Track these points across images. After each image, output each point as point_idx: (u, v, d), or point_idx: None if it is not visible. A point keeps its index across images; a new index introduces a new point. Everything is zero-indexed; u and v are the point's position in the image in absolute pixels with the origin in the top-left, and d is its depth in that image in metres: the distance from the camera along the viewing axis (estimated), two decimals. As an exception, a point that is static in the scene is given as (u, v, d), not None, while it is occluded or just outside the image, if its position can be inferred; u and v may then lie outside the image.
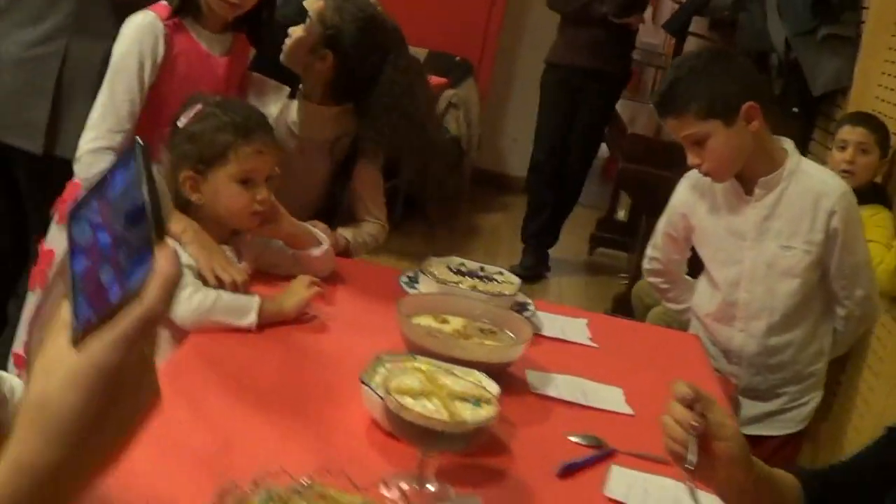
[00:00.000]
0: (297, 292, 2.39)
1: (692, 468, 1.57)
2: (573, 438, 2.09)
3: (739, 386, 2.92)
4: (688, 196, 3.00)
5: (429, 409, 1.69)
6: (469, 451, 1.88)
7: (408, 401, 1.70)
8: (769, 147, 2.79)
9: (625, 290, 5.58)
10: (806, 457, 4.32)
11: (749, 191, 2.83)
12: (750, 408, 2.94)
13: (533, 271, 6.52)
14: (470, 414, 1.70)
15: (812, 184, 2.79)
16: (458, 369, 2.05)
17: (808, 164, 2.85)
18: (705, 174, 2.78)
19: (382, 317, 2.29)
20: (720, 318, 2.97)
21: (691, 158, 2.74)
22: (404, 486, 1.76)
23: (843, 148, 4.09)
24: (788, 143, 2.85)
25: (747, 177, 2.82)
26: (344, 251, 2.99)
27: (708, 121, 2.67)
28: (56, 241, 2.80)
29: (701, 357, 2.77)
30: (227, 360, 2.19)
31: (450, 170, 7.20)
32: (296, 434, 1.90)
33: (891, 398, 3.72)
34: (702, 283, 3.09)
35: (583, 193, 6.85)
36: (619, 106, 6.78)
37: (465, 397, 1.75)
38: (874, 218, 3.92)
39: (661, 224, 3.16)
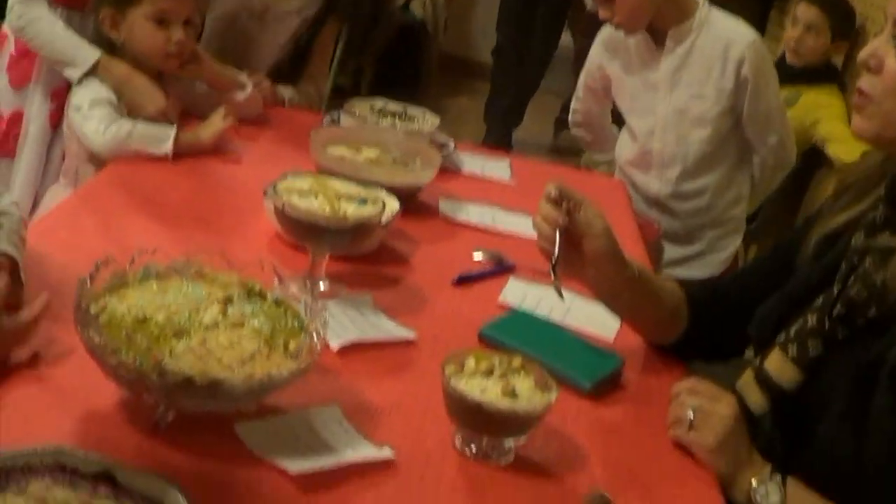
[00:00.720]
0: (213, 123, 2.42)
1: (554, 263, 1.62)
2: (476, 255, 2.14)
3: (661, 230, 2.97)
4: (602, 51, 3.06)
5: (312, 205, 1.73)
6: (366, 259, 1.94)
7: (293, 198, 1.74)
8: None
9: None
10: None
11: (660, 42, 2.85)
12: (671, 251, 3.00)
13: (494, 149, 6.52)
14: (353, 210, 1.75)
15: (721, 33, 2.81)
16: (362, 187, 2.10)
17: (717, 14, 2.84)
18: (617, 27, 2.79)
19: (301, 151, 2.33)
20: (638, 164, 3.02)
21: (602, 12, 2.76)
22: (298, 284, 1.81)
23: (794, 24, 4.07)
24: None
25: (658, 28, 2.83)
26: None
27: None
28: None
29: (623, 200, 2.81)
30: (142, 184, 2.22)
31: (416, 51, 7.20)
32: (199, 246, 1.94)
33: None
34: (623, 133, 3.15)
35: (550, 80, 6.83)
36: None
37: (350, 196, 1.79)
38: (819, 99, 3.95)
39: (581, 77, 3.25)
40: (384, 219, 1.96)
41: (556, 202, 1.65)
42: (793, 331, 1.62)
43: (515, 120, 6.68)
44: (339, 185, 1.83)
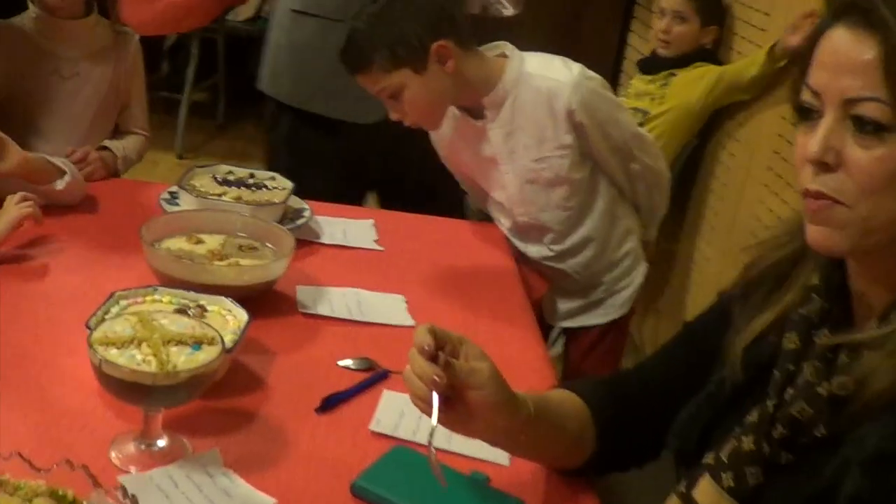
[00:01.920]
0: (6, 211, 2.08)
1: (431, 433, 1.35)
2: (343, 364, 1.86)
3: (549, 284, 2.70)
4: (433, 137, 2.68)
5: (135, 360, 1.43)
6: (215, 394, 1.64)
7: (112, 353, 1.44)
8: (480, 72, 2.38)
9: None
10: (648, 331, 4.20)
11: (479, 115, 2.48)
12: (568, 304, 2.72)
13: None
14: (184, 360, 1.45)
15: (540, 84, 2.41)
16: (204, 299, 1.80)
17: (532, 65, 2.44)
18: (414, 126, 2.45)
19: (134, 246, 2.01)
20: (514, 234, 2.69)
21: (392, 114, 2.39)
22: (131, 448, 1.51)
23: (661, 16, 3.91)
24: (507, 47, 2.50)
25: (469, 105, 2.47)
26: (113, 169, 2.68)
27: (396, 71, 2.34)
28: None
29: (504, 254, 2.55)
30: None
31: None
32: (11, 394, 1.63)
33: (724, 266, 3.58)
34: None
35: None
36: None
37: (182, 340, 1.48)
38: (695, 72, 3.76)
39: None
40: (230, 341, 1.67)
41: (432, 356, 1.37)
42: (724, 454, 1.37)
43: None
44: (167, 323, 1.52)
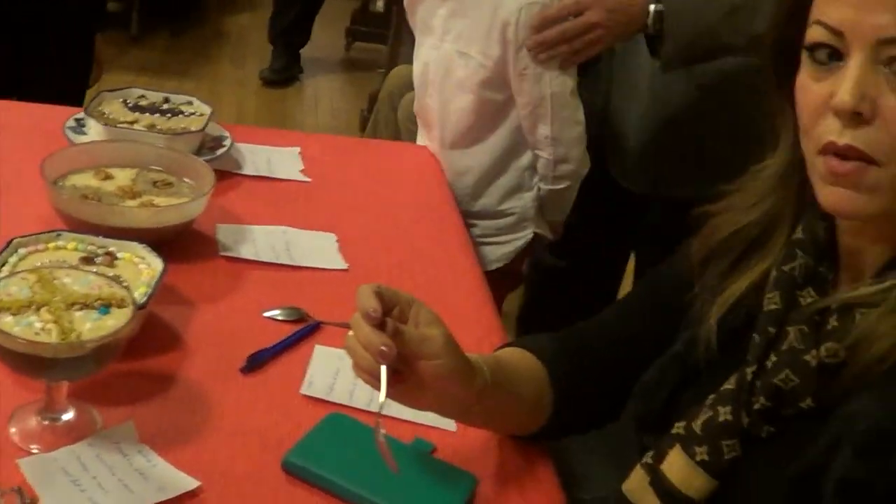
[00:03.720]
0: None
1: (381, 409, 1.20)
2: (269, 314, 1.69)
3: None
4: None
5: (34, 327, 1.25)
6: (127, 355, 1.46)
7: (6, 320, 1.26)
8: None
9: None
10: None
11: None
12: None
13: (284, 74, 6.01)
14: (91, 327, 1.27)
15: None
16: (114, 244, 1.62)
17: None
18: None
19: (36, 182, 1.80)
20: (420, 116, 2.55)
21: None
22: (33, 422, 1.34)
23: None
24: None
25: None
26: None
27: None
28: None
29: (436, 173, 2.38)
30: None
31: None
32: None
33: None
34: None
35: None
36: None
37: (86, 303, 1.30)
38: None
39: None
40: (143, 295, 1.50)
41: (379, 322, 1.20)
42: (697, 425, 1.24)
43: (303, 39, 6.14)
44: (70, 282, 1.34)
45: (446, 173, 2.40)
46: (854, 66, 1.07)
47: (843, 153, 1.08)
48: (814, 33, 1.11)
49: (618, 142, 2.51)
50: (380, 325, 1.20)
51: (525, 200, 2.45)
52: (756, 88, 1.61)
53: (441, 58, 2.37)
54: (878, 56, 1.06)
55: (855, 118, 1.07)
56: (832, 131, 1.09)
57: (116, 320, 1.28)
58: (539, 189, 2.43)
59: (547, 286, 2.84)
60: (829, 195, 1.12)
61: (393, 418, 1.41)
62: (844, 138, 1.08)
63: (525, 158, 2.43)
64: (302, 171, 2.24)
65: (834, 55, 1.09)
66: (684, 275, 1.37)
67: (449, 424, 1.46)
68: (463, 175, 2.41)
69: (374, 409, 1.44)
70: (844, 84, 1.07)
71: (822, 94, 1.10)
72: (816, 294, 1.20)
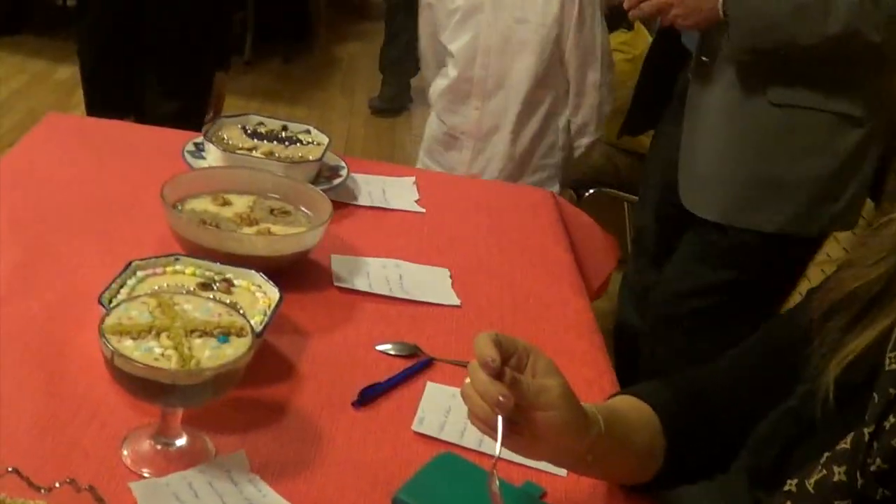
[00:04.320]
0: None
1: (496, 460, 1.18)
2: (381, 348, 1.68)
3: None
4: None
5: (154, 353, 1.25)
6: (240, 382, 1.45)
7: (127, 344, 1.26)
8: None
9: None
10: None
11: None
12: None
13: (393, 103, 6.05)
14: (209, 355, 1.27)
15: None
16: (231, 272, 1.63)
17: None
18: None
19: (154, 204, 1.81)
20: (449, 94, 2.88)
21: None
22: (146, 446, 1.34)
23: None
24: None
25: None
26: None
27: None
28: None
29: (552, 216, 2.36)
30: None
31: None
32: (11, 374, 1.46)
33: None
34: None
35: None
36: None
37: (206, 330, 1.30)
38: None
39: None
40: (259, 323, 1.50)
41: (497, 373, 1.18)
42: (811, 483, 1.20)
43: (413, 68, 6.15)
44: (190, 308, 1.34)
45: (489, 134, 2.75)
46: None
47: None
48: None
49: (689, 167, 2.50)
50: (497, 375, 1.17)
51: (557, 157, 2.87)
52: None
53: (498, 28, 2.71)
54: None
55: None
56: None
57: (235, 349, 1.28)
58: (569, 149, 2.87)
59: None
60: None
61: (504, 460, 1.39)
62: None
63: (563, 118, 2.84)
64: (417, 201, 2.24)
65: None
66: (804, 328, 1.33)
67: (560, 470, 1.43)
68: (521, 133, 2.72)
69: (484, 449, 1.44)
70: None
71: None
72: None
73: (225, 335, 1.30)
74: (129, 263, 1.60)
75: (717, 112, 2.38)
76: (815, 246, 2.50)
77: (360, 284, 1.84)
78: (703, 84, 2.37)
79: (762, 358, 1.44)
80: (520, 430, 1.20)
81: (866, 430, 1.16)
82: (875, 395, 1.18)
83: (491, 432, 1.18)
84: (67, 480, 1.06)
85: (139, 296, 1.37)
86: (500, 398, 1.15)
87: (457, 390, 1.52)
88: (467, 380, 1.20)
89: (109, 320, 1.28)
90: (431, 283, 1.90)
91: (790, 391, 1.33)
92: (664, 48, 2.61)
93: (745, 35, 2.21)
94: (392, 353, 1.67)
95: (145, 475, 1.30)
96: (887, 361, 1.18)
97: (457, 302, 1.85)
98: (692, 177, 2.46)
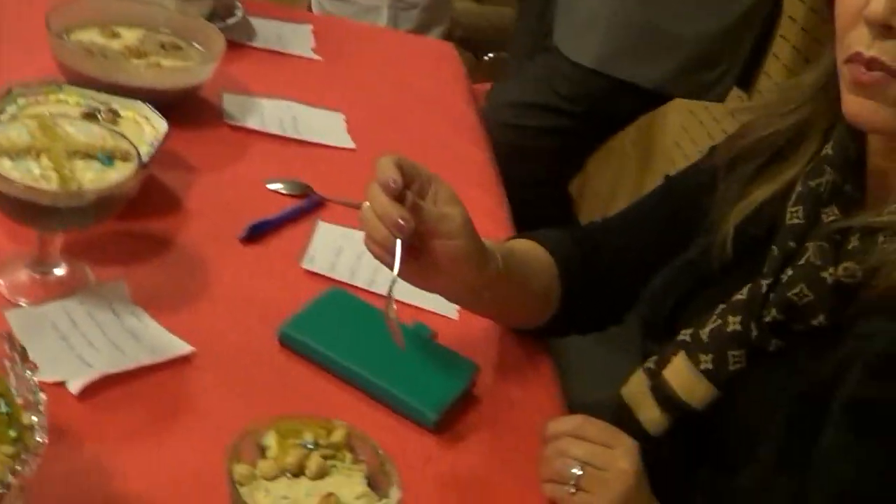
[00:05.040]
0: None
1: (391, 286, 1.16)
2: (272, 186, 1.64)
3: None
4: None
5: (32, 174, 1.20)
6: (123, 215, 1.40)
7: (5, 164, 1.20)
8: None
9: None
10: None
11: None
12: None
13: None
14: (92, 178, 1.22)
15: None
16: (117, 101, 1.56)
17: None
18: None
19: (38, 32, 1.73)
20: None
21: None
22: (22, 275, 1.29)
23: None
24: None
25: None
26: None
27: None
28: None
29: (455, 70, 2.32)
30: None
31: None
32: None
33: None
34: None
35: None
36: None
37: (89, 153, 1.25)
38: None
39: None
40: (145, 153, 1.44)
41: (398, 195, 1.15)
42: (705, 332, 1.21)
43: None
44: (73, 131, 1.29)
45: None
46: None
47: (866, 64, 1.05)
48: None
49: (567, 5, 2.47)
50: (398, 198, 1.15)
51: None
52: None
53: None
54: None
55: (885, 30, 1.03)
56: (861, 42, 1.05)
57: (120, 173, 1.23)
58: None
59: None
60: (852, 104, 1.08)
61: (395, 300, 1.37)
62: (872, 50, 1.04)
63: None
64: (313, 48, 2.18)
65: None
66: (706, 179, 1.33)
67: (451, 311, 1.43)
68: None
69: (375, 289, 1.42)
70: None
71: (857, 3, 1.06)
72: (840, 213, 1.16)
73: (109, 158, 1.25)
74: (9, 88, 1.52)
75: None
76: (660, 104, 2.51)
77: (252, 122, 1.79)
78: None
79: (662, 211, 1.44)
80: (417, 257, 1.18)
81: (763, 282, 1.17)
82: (774, 248, 1.18)
83: (387, 257, 1.16)
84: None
85: (20, 116, 1.31)
86: (400, 220, 1.13)
87: (349, 230, 1.51)
88: (366, 204, 1.17)
89: (-11, 135, 1.22)
90: (326, 126, 1.86)
91: (688, 244, 1.33)
92: None
93: None
94: (283, 191, 1.63)
95: (21, 304, 1.25)
96: (787, 216, 1.19)
97: (351, 145, 1.82)
98: (569, 17, 2.41)
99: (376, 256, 1.19)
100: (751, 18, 2.36)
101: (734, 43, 2.37)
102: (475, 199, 1.72)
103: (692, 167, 1.43)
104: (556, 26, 2.46)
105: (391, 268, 1.15)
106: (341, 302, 1.37)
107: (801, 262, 1.14)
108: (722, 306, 1.21)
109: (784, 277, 1.15)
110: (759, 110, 1.30)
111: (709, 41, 2.33)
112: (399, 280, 1.17)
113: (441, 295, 1.27)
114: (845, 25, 1.08)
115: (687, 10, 2.30)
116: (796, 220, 1.17)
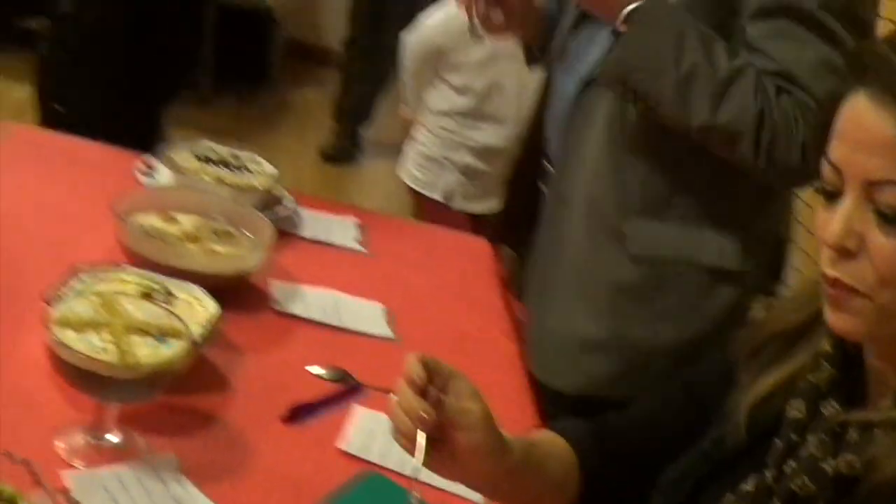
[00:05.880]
0: None
1: (416, 473, 1.23)
2: (313, 371, 1.73)
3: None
4: None
5: (94, 346, 1.30)
6: (175, 390, 1.50)
7: (69, 335, 1.31)
8: None
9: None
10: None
11: None
12: None
13: (344, 151, 6.11)
14: (147, 354, 1.31)
15: None
16: (173, 284, 1.67)
17: None
18: None
19: (104, 216, 1.85)
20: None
21: None
22: (79, 439, 1.38)
23: None
24: None
25: None
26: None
27: None
28: None
29: (489, 265, 2.42)
30: None
31: (262, 38, 6.77)
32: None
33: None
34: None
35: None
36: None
37: (146, 330, 1.35)
38: None
39: None
40: (197, 334, 1.54)
41: (422, 391, 1.24)
42: None
43: (365, 118, 6.24)
44: (132, 309, 1.39)
45: None
46: (846, 202, 1.10)
47: (831, 283, 1.12)
48: (824, 168, 1.14)
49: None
50: (423, 393, 1.24)
51: None
52: None
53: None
54: (867, 195, 1.08)
55: (842, 252, 1.10)
56: (826, 262, 1.13)
57: (173, 351, 1.33)
58: None
59: None
60: (830, 317, 1.16)
61: (423, 484, 1.44)
62: (833, 271, 1.12)
63: None
64: (359, 241, 2.29)
65: (836, 193, 1.12)
66: (722, 375, 1.39)
67: (477, 497, 1.49)
68: None
69: (406, 472, 1.48)
70: (835, 218, 1.10)
71: (824, 228, 1.14)
72: (839, 406, 1.22)
73: (164, 336, 1.35)
74: (76, 271, 1.64)
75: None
76: None
77: (297, 309, 1.89)
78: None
79: (681, 404, 1.50)
80: (440, 449, 1.25)
81: (768, 474, 1.23)
82: (777, 441, 1.24)
83: (412, 448, 1.23)
84: (4, 452, 1.10)
85: (85, 293, 1.41)
86: (423, 414, 1.21)
87: (383, 416, 1.57)
88: (395, 398, 1.25)
89: (56, 313, 1.33)
90: (366, 316, 1.95)
91: (704, 434, 1.39)
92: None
93: (628, 57, 1.80)
94: (323, 376, 1.71)
95: (77, 467, 1.34)
96: (788, 409, 1.25)
97: (390, 334, 1.91)
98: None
99: (402, 447, 1.27)
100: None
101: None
102: (502, 383, 1.82)
103: (708, 364, 1.50)
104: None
105: (416, 464, 1.22)
106: (374, 483, 1.45)
107: (804, 454, 1.20)
108: (731, 496, 1.26)
109: (787, 469, 1.21)
110: (779, 305, 1.37)
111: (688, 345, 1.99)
112: (422, 469, 1.24)
113: (462, 484, 1.34)
114: (819, 245, 1.17)
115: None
116: (797, 415, 1.23)
